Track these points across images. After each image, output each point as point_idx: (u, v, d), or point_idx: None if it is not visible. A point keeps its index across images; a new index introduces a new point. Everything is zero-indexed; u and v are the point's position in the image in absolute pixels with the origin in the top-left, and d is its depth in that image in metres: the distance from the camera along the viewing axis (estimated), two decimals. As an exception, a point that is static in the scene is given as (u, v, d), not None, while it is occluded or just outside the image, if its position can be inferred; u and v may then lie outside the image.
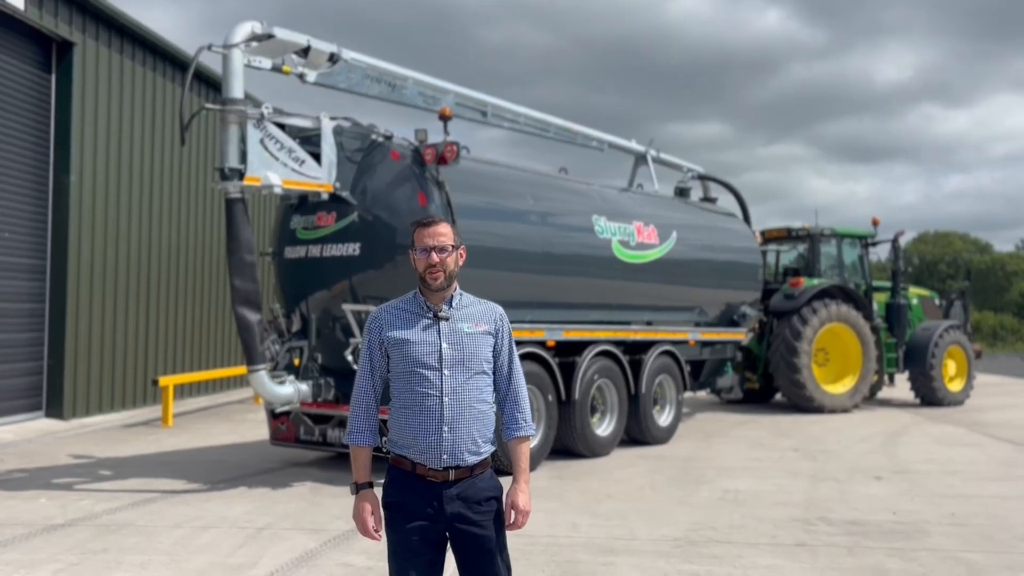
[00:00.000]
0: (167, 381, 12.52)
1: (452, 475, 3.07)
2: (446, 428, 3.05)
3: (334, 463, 9.25)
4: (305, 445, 8.82)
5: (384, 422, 3.15)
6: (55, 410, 11.97)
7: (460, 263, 3.20)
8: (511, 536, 3.22)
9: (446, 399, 3.06)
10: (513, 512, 3.13)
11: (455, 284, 3.20)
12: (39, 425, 11.56)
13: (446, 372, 3.08)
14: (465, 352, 3.12)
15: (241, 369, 14.39)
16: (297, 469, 8.97)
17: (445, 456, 3.05)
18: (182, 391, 14.72)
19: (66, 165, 12.02)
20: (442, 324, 3.13)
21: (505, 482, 3.16)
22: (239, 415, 13.66)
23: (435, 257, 3.10)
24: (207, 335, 15.93)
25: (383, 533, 3.15)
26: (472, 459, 3.09)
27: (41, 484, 8.04)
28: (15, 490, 7.76)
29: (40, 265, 11.97)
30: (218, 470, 8.83)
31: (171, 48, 14.11)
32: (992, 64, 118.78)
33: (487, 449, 3.15)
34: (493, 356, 3.21)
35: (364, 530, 3.12)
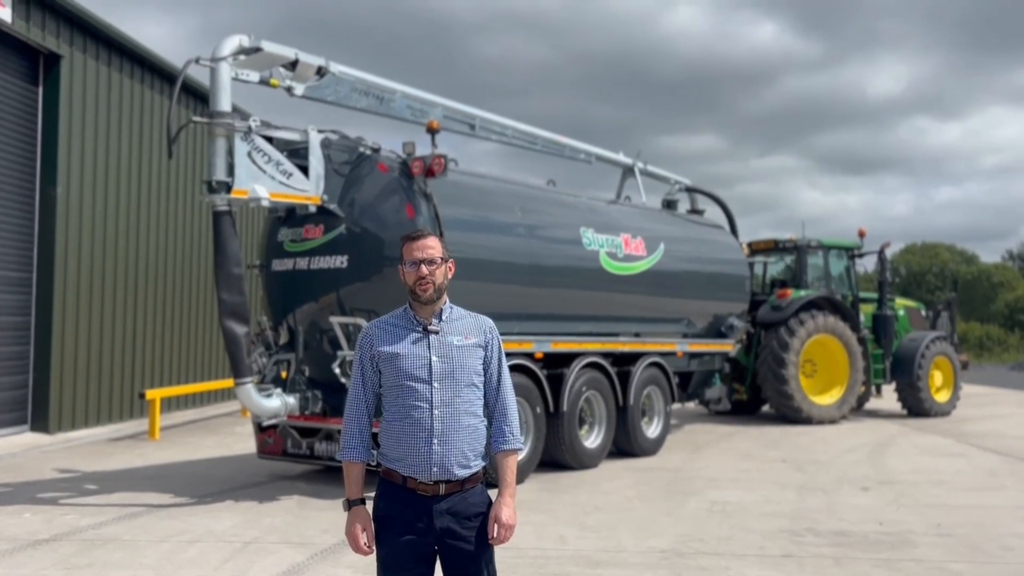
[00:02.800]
0: (154, 394, 12.45)
1: (442, 489, 3.07)
2: (436, 441, 3.06)
3: (321, 476, 9.22)
4: (292, 458, 8.79)
5: (376, 435, 3.16)
6: (40, 424, 11.89)
7: (449, 276, 3.22)
8: (499, 548, 3.22)
9: (436, 412, 3.07)
10: (496, 526, 3.11)
11: (445, 297, 3.22)
12: (24, 439, 11.48)
13: (436, 385, 3.09)
14: (454, 365, 3.13)
15: (228, 382, 14.31)
16: (284, 482, 8.93)
17: (435, 469, 3.05)
18: (169, 404, 14.63)
19: (53, 178, 11.98)
20: (432, 337, 3.14)
21: (494, 496, 3.16)
22: (226, 428, 13.59)
23: (424, 270, 3.12)
24: (194, 348, 15.86)
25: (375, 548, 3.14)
26: (462, 473, 3.09)
27: (26, 498, 7.98)
28: (-1, 505, 7.71)
29: (26, 278, 11.91)
30: (205, 484, 8.79)
31: (159, 61, 14.11)
32: (984, 76, 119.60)
33: (477, 464, 3.15)
34: (483, 369, 3.22)
35: (356, 547, 3.11)
